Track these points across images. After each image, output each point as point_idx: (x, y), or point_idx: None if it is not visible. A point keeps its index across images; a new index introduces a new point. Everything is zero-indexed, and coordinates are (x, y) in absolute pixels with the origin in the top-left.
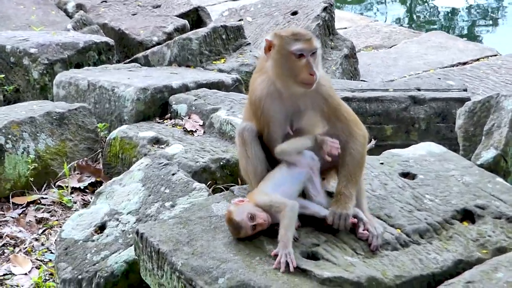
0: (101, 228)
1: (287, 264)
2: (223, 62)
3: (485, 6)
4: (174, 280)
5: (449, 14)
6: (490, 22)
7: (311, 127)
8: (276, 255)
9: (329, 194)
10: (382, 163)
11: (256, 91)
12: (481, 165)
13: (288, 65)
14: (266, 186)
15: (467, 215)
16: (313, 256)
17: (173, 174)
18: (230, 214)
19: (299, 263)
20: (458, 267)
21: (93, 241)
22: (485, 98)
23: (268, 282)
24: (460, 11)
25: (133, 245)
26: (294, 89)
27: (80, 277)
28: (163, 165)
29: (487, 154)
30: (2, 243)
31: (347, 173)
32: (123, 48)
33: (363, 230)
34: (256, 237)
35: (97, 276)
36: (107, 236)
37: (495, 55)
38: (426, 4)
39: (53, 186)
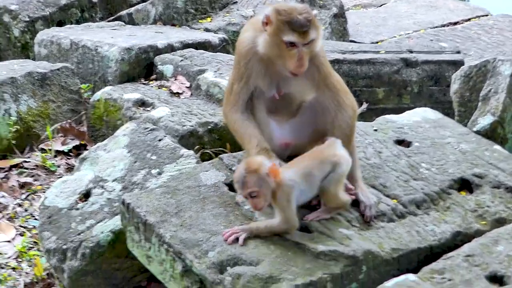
0: (86, 195)
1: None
2: (210, 21)
3: None
4: (163, 253)
5: None
6: None
7: (299, 94)
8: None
9: None
10: (376, 130)
11: (244, 42)
12: (477, 132)
13: (279, 50)
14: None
15: (464, 185)
16: (306, 229)
17: (160, 140)
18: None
19: (292, 236)
20: (457, 239)
21: (77, 209)
22: (481, 62)
23: (260, 256)
24: None
25: (119, 215)
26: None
27: (64, 247)
28: (149, 131)
29: (484, 120)
30: None
31: None
32: (106, 4)
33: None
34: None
35: (82, 246)
36: (92, 204)
37: (486, 15)
38: None
39: (36, 149)
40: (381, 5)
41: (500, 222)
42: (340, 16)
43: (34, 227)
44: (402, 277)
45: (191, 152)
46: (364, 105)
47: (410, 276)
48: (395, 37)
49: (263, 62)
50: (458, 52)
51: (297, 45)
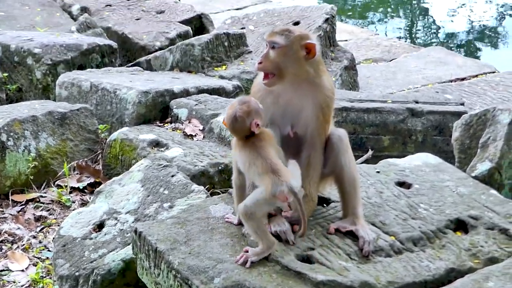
0: (100, 226)
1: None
2: (225, 69)
3: (485, 25)
4: (171, 279)
5: (449, 31)
6: (489, 39)
7: (308, 131)
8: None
9: (324, 200)
10: (378, 172)
11: (255, 86)
12: (475, 177)
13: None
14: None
15: (460, 225)
16: (308, 260)
17: (173, 176)
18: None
19: (294, 266)
20: (450, 276)
21: (91, 239)
22: (481, 111)
23: (262, 283)
24: (459, 29)
25: (130, 244)
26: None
27: (77, 274)
28: (163, 167)
29: (482, 166)
30: (1, 239)
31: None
32: (126, 52)
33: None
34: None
35: (94, 273)
36: (105, 234)
37: (493, 72)
38: (426, 20)
39: (52, 185)
40: (391, 60)
41: (492, 261)
42: (351, 68)
43: (48, 258)
44: None
45: (202, 187)
46: (370, 152)
47: None
48: (403, 90)
49: (275, 104)
50: (462, 104)
51: (267, 44)
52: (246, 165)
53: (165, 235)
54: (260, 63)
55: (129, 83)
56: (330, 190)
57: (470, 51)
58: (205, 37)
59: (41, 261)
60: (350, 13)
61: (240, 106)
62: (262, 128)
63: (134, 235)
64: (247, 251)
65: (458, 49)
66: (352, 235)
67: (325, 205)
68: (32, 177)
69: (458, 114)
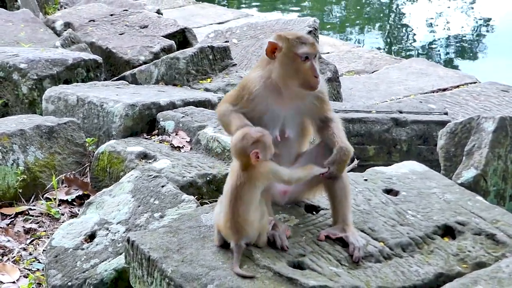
0: (91, 237)
1: None
2: (210, 82)
3: (465, 36)
4: (164, 287)
5: (430, 43)
6: (469, 50)
7: (300, 138)
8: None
9: (313, 208)
10: (366, 180)
11: (252, 81)
12: (461, 184)
13: (294, 67)
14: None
15: (448, 231)
16: (299, 266)
17: (163, 186)
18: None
19: (286, 272)
20: (439, 280)
21: (83, 249)
22: (466, 119)
23: None
24: (440, 40)
25: (122, 254)
26: (297, 91)
27: (69, 284)
28: (153, 177)
29: (468, 173)
30: None
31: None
32: (110, 66)
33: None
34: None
35: (86, 283)
36: (96, 244)
37: (475, 82)
38: (407, 32)
39: (41, 198)
40: (373, 72)
41: (480, 265)
42: (334, 80)
43: (38, 269)
44: None
45: (192, 197)
46: (355, 162)
47: None
48: (386, 101)
49: (267, 103)
50: (446, 113)
51: (310, 57)
52: (226, 188)
53: (158, 243)
54: (317, 77)
55: (116, 97)
56: (319, 198)
57: (451, 62)
58: (189, 51)
59: (32, 273)
60: (331, 26)
61: (250, 132)
62: (264, 163)
63: (127, 244)
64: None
65: (439, 60)
66: (342, 242)
67: (314, 212)
68: (21, 190)
69: (442, 124)
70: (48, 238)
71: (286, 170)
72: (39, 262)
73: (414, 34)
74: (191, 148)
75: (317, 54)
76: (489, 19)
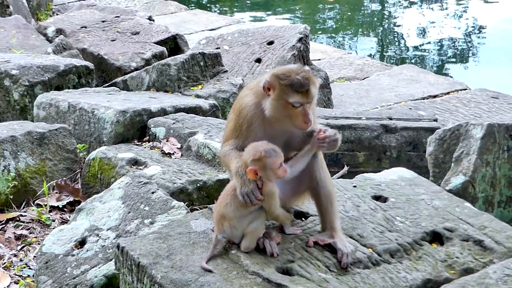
0: (81, 243)
1: None
2: (201, 88)
3: (455, 43)
4: None
5: (421, 50)
6: (459, 58)
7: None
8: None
9: (302, 214)
10: (355, 186)
11: (247, 108)
12: (450, 191)
13: (285, 111)
14: None
15: (436, 237)
16: (288, 272)
17: (153, 193)
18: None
19: (275, 278)
20: (427, 286)
21: (73, 255)
22: (455, 126)
23: None
24: (431, 47)
25: (112, 260)
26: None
27: None
28: (143, 184)
29: (456, 180)
30: None
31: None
32: (102, 72)
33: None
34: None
35: None
36: (87, 251)
37: (465, 89)
38: (397, 39)
39: (32, 204)
40: (364, 78)
41: (468, 271)
42: (325, 87)
43: (29, 275)
44: None
45: (182, 203)
46: (345, 168)
47: None
48: (377, 108)
49: (265, 126)
50: (435, 120)
51: (302, 104)
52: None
53: (148, 249)
54: (307, 122)
55: (107, 103)
56: (308, 204)
57: (442, 69)
58: (181, 57)
59: (22, 279)
60: (322, 32)
61: (259, 148)
62: (267, 183)
63: (117, 251)
64: None
65: (429, 67)
66: (331, 248)
67: (303, 218)
68: (11, 197)
69: (431, 130)
70: (39, 244)
71: (278, 204)
72: (30, 268)
73: (405, 41)
74: (181, 155)
75: (311, 101)
76: (480, 27)
